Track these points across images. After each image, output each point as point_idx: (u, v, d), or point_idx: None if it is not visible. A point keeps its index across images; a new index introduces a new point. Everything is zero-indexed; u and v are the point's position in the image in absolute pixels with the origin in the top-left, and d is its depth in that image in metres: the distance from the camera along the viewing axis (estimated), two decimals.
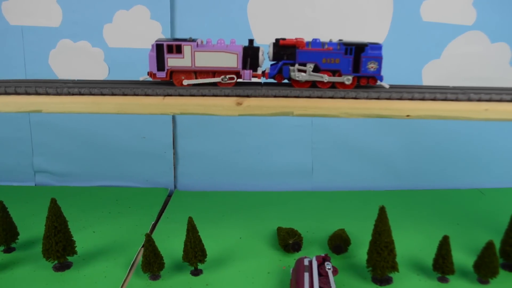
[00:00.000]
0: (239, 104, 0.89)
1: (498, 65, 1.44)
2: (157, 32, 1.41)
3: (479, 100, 0.91)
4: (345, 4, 1.40)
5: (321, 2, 1.40)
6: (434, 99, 0.91)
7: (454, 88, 0.98)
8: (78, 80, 1.01)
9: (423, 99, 0.91)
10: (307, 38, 0.96)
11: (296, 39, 0.94)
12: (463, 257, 1.08)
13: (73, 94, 0.93)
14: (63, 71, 1.45)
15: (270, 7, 1.40)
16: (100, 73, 1.45)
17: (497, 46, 1.43)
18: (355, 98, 0.92)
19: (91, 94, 0.92)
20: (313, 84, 0.95)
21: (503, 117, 0.90)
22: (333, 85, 0.94)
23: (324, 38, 0.97)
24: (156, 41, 0.93)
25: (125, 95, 0.92)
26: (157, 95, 0.92)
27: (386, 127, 1.50)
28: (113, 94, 0.92)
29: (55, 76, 1.44)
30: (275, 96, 0.91)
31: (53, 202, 1.02)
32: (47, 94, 0.93)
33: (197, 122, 1.50)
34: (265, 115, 0.89)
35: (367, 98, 0.90)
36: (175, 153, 1.55)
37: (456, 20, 1.41)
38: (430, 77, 1.45)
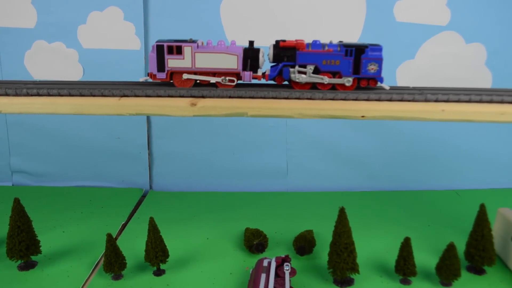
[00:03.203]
0: (193, 104, 0.88)
1: (473, 65, 1.43)
2: (130, 33, 1.42)
3: (436, 100, 0.90)
4: (318, 5, 1.40)
5: (294, 2, 1.40)
6: (390, 100, 0.91)
7: (414, 88, 0.97)
8: (39, 81, 1.02)
9: (379, 99, 0.90)
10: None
11: (296, 40, 0.93)
12: (428, 258, 1.07)
13: (31, 95, 0.93)
14: (39, 72, 1.46)
15: (243, 8, 1.40)
16: (75, 74, 1.46)
17: (472, 47, 1.42)
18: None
19: (49, 95, 0.93)
20: (314, 86, 0.94)
21: (460, 118, 0.89)
22: (333, 87, 0.94)
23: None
24: (156, 42, 0.93)
25: (82, 96, 0.92)
26: (113, 95, 0.92)
27: (361, 128, 1.50)
28: (70, 95, 0.92)
29: (30, 77, 1.45)
30: (229, 97, 0.90)
31: (16, 201, 1.03)
32: (7, 95, 0.94)
33: (172, 123, 1.51)
34: (219, 115, 0.89)
35: (322, 98, 0.90)
36: (150, 154, 1.55)
37: (430, 20, 1.40)
38: (404, 77, 1.44)
